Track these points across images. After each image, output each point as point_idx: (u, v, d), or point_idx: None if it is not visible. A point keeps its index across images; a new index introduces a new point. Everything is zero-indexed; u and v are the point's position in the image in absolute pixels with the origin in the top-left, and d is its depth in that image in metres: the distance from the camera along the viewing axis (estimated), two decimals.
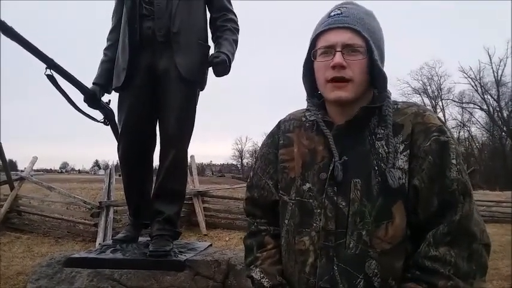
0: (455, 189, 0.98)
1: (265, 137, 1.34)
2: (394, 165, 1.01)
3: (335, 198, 1.05)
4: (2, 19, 1.80)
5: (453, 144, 1.01)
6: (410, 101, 1.23)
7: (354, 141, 1.07)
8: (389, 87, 1.16)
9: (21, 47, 1.90)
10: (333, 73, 1.05)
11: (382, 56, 1.09)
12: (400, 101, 1.14)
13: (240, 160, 62.59)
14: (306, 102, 1.20)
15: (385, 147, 1.03)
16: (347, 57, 1.03)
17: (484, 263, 0.98)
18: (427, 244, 0.98)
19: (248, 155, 58.56)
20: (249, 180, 1.33)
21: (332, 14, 1.08)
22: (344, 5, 1.10)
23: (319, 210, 1.07)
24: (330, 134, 1.09)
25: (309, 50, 1.12)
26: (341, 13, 1.06)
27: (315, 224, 1.08)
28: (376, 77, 1.08)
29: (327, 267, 1.04)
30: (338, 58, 1.03)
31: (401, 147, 1.03)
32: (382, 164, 1.02)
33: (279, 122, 1.28)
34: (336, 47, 1.04)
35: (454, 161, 0.99)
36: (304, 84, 1.18)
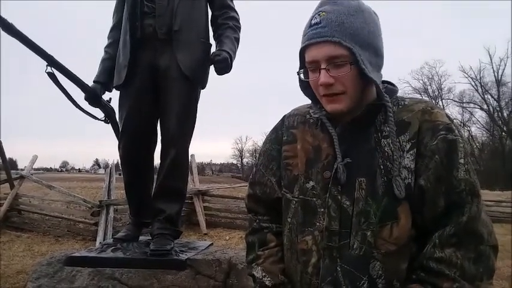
0: (462, 189, 0.95)
1: (267, 134, 1.30)
2: (400, 164, 0.99)
3: (339, 197, 1.03)
4: (3, 16, 1.79)
5: (461, 143, 0.98)
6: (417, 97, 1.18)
7: (360, 139, 1.05)
8: None
9: (22, 44, 1.89)
10: (323, 90, 1.02)
11: (376, 52, 1.03)
12: (408, 97, 1.11)
13: (240, 159, 62.62)
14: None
15: (391, 145, 1.01)
16: (333, 71, 0.99)
17: (491, 266, 0.96)
18: (433, 245, 0.96)
19: (248, 155, 58.61)
20: (251, 176, 1.30)
21: (312, 22, 1.01)
22: (324, 6, 1.02)
23: (322, 210, 1.05)
24: (334, 132, 1.07)
25: (300, 64, 1.09)
26: (319, 22, 0.99)
27: (318, 224, 1.05)
28: (369, 85, 1.05)
29: (330, 268, 1.02)
30: (323, 78, 0.99)
31: (408, 146, 1.00)
32: (388, 163, 1.00)
33: (283, 117, 1.25)
34: (319, 64, 1.00)
35: (461, 161, 0.96)
36: (304, 94, 1.14)
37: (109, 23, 2.46)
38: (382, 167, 1.01)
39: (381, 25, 1.07)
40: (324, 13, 1.00)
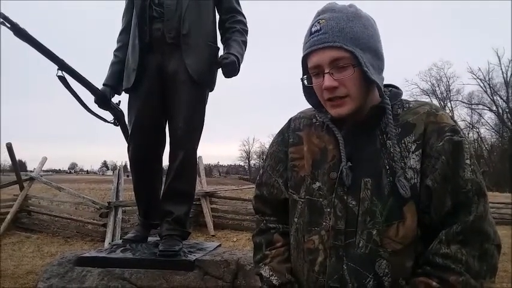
0: (469, 189, 0.97)
1: (274, 135, 1.33)
2: (406, 165, 1.01)
3: (345, 197, 1.05)
4: (15, 21, 1.83)
5: (466, 144, 1.00)
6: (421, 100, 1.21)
7: (365, 140, 1.07)
8: None
9: (33, 48, 1.93)
10: (327, 94, 1.04)
11: (377, 55, 1.06)
12: (413, 100, 1.13)
13: (247, 161, 62.61)
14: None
15: (396, 147, 1.02)
16: (336, 75, 1.01)
17: (495, 264, 0.97)
18: (439, 242, 0.98)
19: (255, 156, 58.60)
20: (258, 178, 1.33)
21: (313, 30, 1.04)
22: (323, 14, 1.05)
23: (328, 209, 1.07)
24: (340, 135, 1.09)
25: (303, 71, 1.12)
26: (320, 29, 1.02)
27: (324, 223, 1.07)
28: (372, 87, 1.07)
29: (336, 267, 1.04)
30: (327, 81, 1.02)
31: (413, 147, 1.02)
32: (394, 164, 1.02)
33: (289, 120, 1.28)
34: (322, 69, 1.03)
35: (468, 161, 0.98)
36: (307, 100, 1.18)
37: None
38: (387, 167, 1.02)
39: (379, 30, 1.10)
40: (323, 20, 1.03)
